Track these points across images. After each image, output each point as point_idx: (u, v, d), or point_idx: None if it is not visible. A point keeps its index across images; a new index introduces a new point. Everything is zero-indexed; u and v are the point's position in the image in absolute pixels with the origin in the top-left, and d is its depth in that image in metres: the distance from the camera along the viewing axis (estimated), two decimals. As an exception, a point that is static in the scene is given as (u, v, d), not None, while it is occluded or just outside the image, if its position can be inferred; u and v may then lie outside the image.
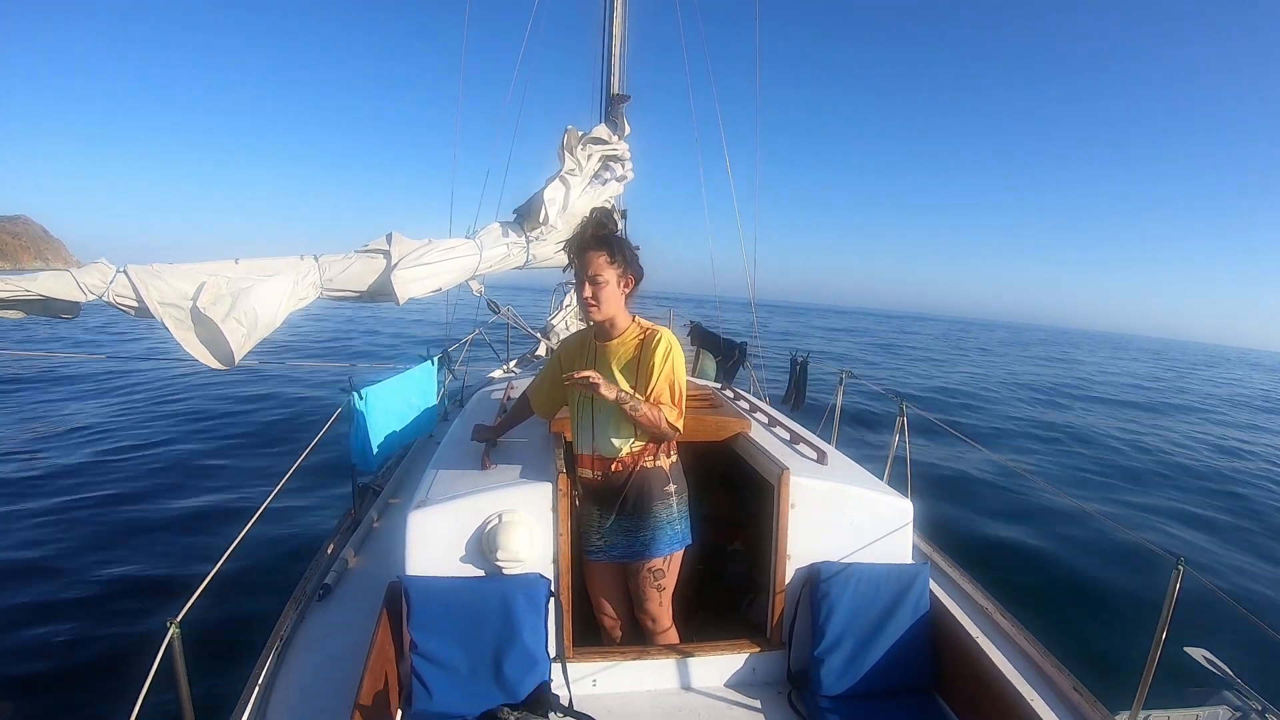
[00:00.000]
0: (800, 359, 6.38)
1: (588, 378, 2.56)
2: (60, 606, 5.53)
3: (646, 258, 2.82)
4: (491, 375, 7.24)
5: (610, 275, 2.65)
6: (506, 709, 2.51)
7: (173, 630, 2.09)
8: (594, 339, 2.87)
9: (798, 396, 6.29)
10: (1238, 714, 4.06)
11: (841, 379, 5.37)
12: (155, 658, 2.00)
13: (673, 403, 2.67)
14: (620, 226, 6.11)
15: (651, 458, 2.79)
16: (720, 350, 7.06)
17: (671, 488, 2.83)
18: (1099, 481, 11.29)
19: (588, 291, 2.67)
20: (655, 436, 2.75)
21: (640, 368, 2.69)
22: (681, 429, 2.73)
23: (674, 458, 2.89)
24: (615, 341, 2.77)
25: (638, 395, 2.67)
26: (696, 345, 7.57)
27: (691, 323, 8.25)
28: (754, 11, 7.90)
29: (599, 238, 2.68)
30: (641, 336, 2.74)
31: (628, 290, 2.74)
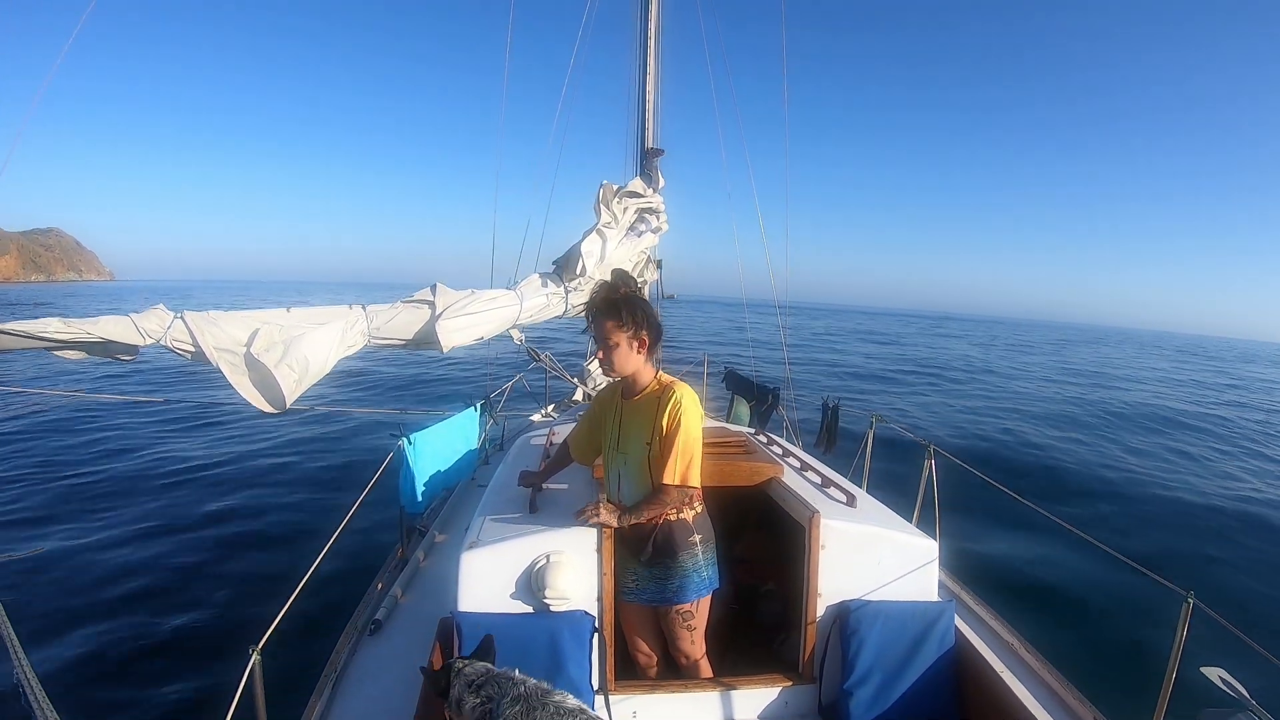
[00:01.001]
0: (832, 404, 6.43)
1: (597, 514, 2.80)
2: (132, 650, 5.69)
3: (680, 278, 2.91)
4: (532, 419, 7.35)
5: (620, 338, 2.77)
6: None
7: (255, 658, 2.17)
8: (620, 397, 2.99)
9: (829, 440, 6.33)
10: None
11: (872, 423, 5.41)
12: (239, 683, 2.06)
13: (675, 461, 2.74)
14: (656, 277, 6.21)
15: (675, 511, 2.87)
16: (754, 395, 7.12)
17: (696, 538, 2.91)
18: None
19: (601, 355, 2.83)
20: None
21: (654, 425, 2.79)
22: (689, 483, 2.79)
23: (699, 509, 2.97)
24: (638, 399, 2.88)
25: (639, 508, 2.82)
26: (731, 391, 7.63)
27: (726, 369, 8.32)
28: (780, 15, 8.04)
29: (609, 302, 2.80)
30: (659, 394, 2.83)
31: (643, 350, 2.84)
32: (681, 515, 2.88)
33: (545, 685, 2.28)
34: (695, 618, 2.96)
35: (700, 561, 2.91)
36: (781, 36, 8.25)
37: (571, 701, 2.21)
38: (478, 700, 2.25)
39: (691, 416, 2.76)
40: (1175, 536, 9.86)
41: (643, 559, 2.90)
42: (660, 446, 2.76)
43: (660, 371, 2.94)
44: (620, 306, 2.79)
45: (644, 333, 2.82)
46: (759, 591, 4.05)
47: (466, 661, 2.40)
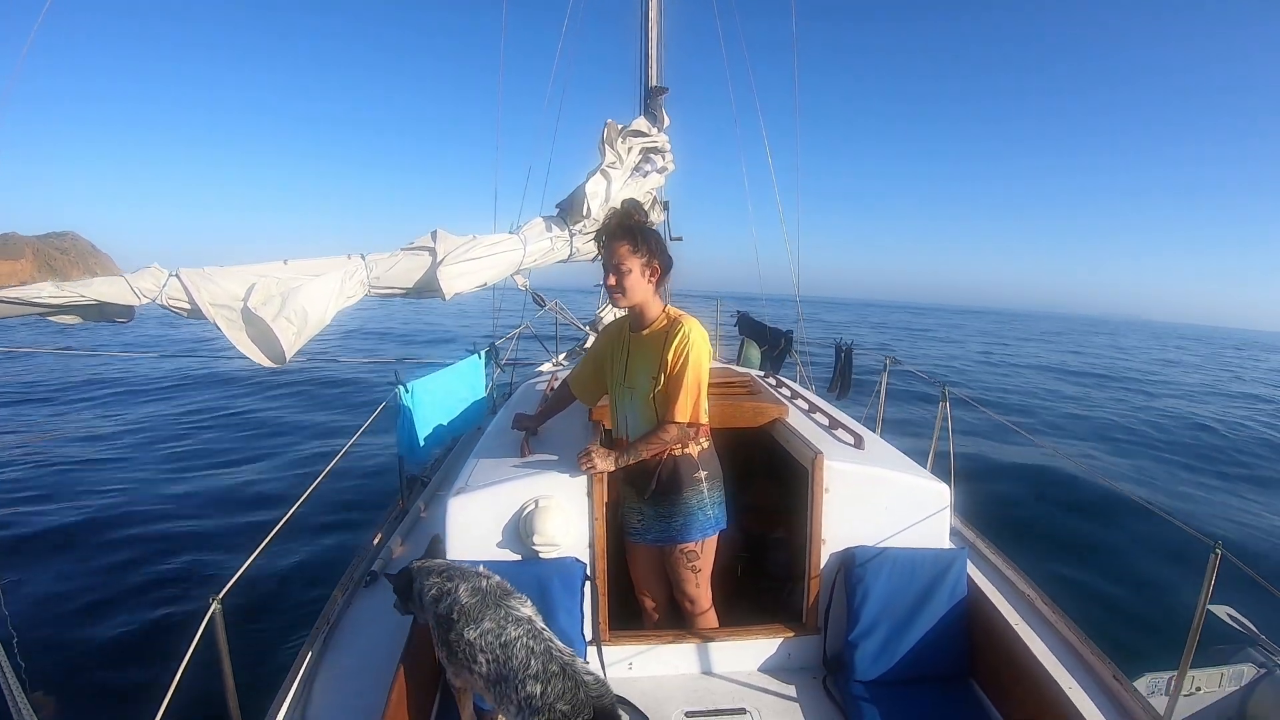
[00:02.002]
0: (845, 346, 6.32)
1: (590, 461, 2.76)
2: (104, 578, 5.98)
3: (690, 250, 2.84)
4: (540, 369, 7.31)
5: (634, 264, 2.70)
6: None
7: (214, 607, 2.13)
8: (629, 330, 2.92)
9: (843, 385, 6.24)
10: (1262, 670, 4.06)
11: (886, 365, 5.32)
12: (196, 633, 2.04)
13: (683, 397, 2.69)
14: (663, 218, 6.10)
15: (680, 446, 2.81)
16: (766, 339, 7.04)
17: (701, 474, 2.84)
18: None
19: (611, 279, 2.73)
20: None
21: (660, 359, 2.73)
22: (697, 420, 2.74)
23: (705, 444, 2.90)
24: (646, 333, 2.81)
25: (636, 446, 2.76)
26: (743, 335, 7.56)
27: (739, 312, 8.24)
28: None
29: (624, 227, 2.73)
30: (667, 328, 2.76)
31: (654, 279, 2.78)
32: (686, 450, 2.82)
33: (507, 586, 2.28)
34: (700, 559, 2.90)
35: (705, 499, 2.85)
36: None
37: (524, 610, 2.21)
38: (436, 580, 2.29)
39: (700, 351, 2.69)
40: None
41: (646, 495, 2.85)
42: (667, 382, 2.70)
43: (669, 305, 2.86)
44: (635, 231, 2.73)
45: (656, 261, 2.75)
46: (768, 540, 3.97)
47: (424, 560, 2.44)
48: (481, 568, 2.38)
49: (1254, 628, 4.58)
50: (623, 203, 2.96)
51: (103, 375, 15.65)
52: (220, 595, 2.16)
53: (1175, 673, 3.66)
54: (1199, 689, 3.93)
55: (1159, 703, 2.78)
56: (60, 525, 7.14)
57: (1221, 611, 4.68)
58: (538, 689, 1.98)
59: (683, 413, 2.68)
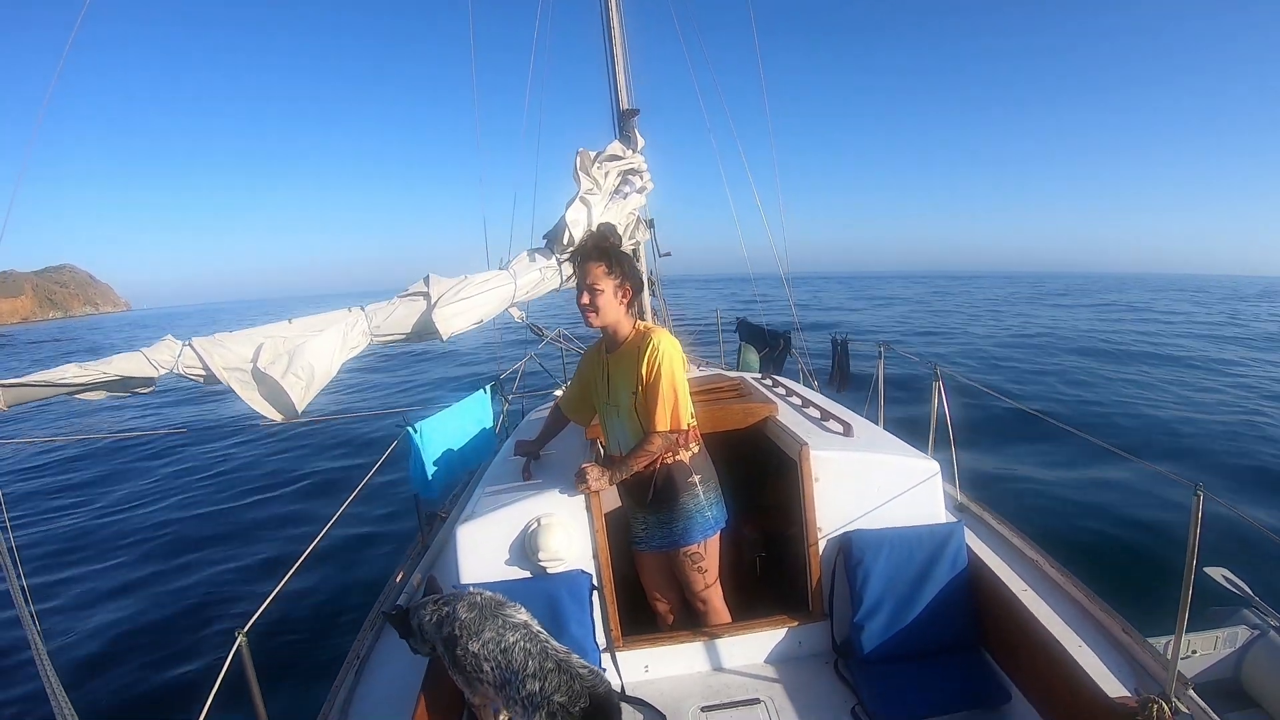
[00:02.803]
0: (840, 340, 6.41)
1: (585, 483, 2.89)
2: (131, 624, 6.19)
3: (681, 246, 2.98)
4: (557, 394, 7.46)
5: (607, 285, 2.82)
6: None
7: (240, 640, 2.21)
8: (604, 352, 3.04)
9: (842, 378, 6.33)
10: (1256, 631, 4.05)
11: (880, 353, 5.43)
12: (223, 667, 2.10)
13: (661, 407, 2.78)
14: (649, 236, 6.23)
15: (672, 454, 2.92)
16: (765, 342, 7.15)
17: (695, 478, 2.95)
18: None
19: (585, 299, 2.84)
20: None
21: (636, 373, 2.84)
22: (678, 426, 2.82)
23: (695, 449, 3.00)
24: (620, 351, 2.93)
25: (626, 461, 2.87)
26: (742, 340, 7.67)
27: (739, 319, 8.35)
28: None
29: (598, 249, 2.85)
30: (638, 343, 2.87)
31: (625, 300, 2.89)
32: (678, 457, 2.92)
33: (500, 597, 2.45)
34: (705, 559, 3.00)
35: (703, 501, 2.95)
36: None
37: (520, 616, 2.38)
38: (433, 608, 2.46)
39: (670, 359, 2.79)
40: None
41: (645, 504, 2.96)
42: (644, 394, 2.81)
43: (638, 321, 2.98)
44: (610, 253, 2.84)
45: (628, 283, 2.87)
46: (785, 536, 4.09)
47: (423, 600, 2.59)
48: (471, 587, 2.54)
49: (1248, 589, 4.60)
50: (598, 226, 3.11)
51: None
52: (245, 629, 2.24)
53: (1171, 638, 3.78)
54: (1195, 652, 3.95)
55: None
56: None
57: (1216, 574, 4.70)
58: (537, 686, 2.15)
59: (662, 421, 2.78)
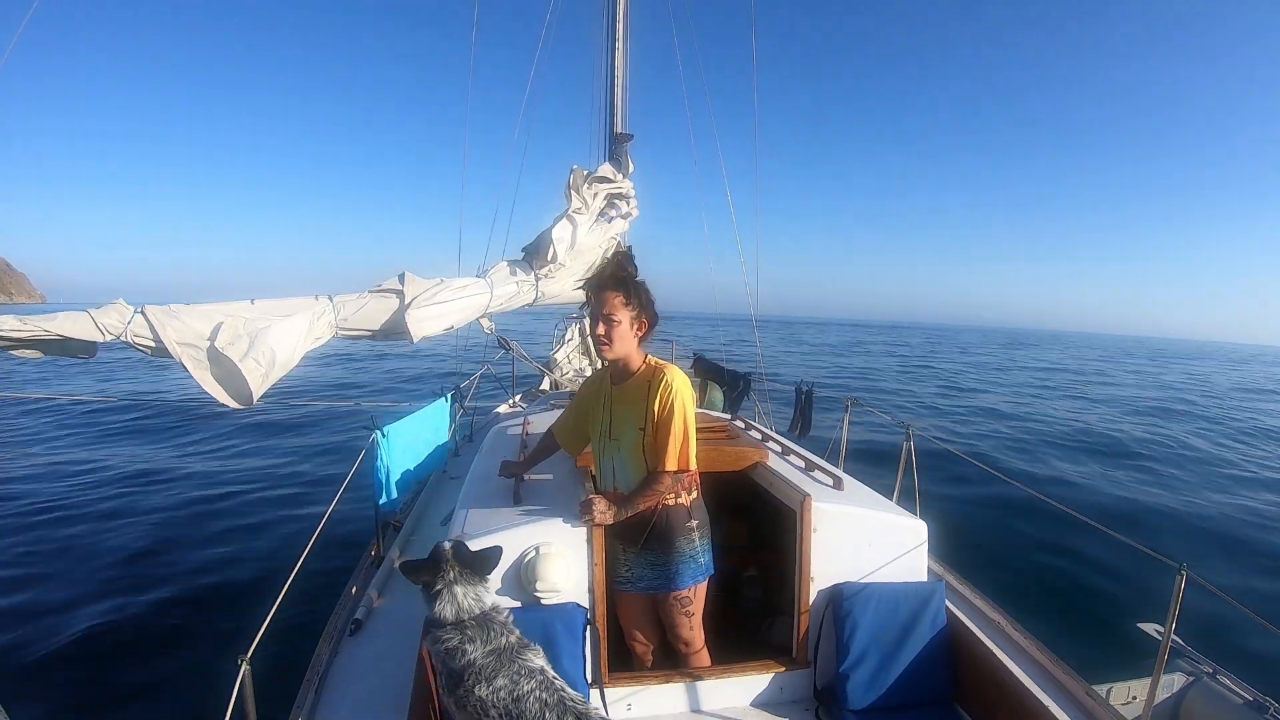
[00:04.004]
0: (805, 388, 6.41)
1: (591, 514, 2.77)
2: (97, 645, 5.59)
3: (650, 279, 2.91)
4: (498, 410, 7.29)
5: (624, 316, 2.74)
6: None
7: (244, 668, 2.14)
8: (610, 383, 2.95)
9: (804, 425, 6.32)
10: (1190, 678, 4.45)
11: (847, 407, 5.45)
12: (231, 695, 2.04)
13: (671, 445, 2.72)
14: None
15: (673, 496, 2.86)
16: (725, 381, 7.09)
17: (694, 523, 2.90)
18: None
19: (601, 329, 2.75)
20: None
21: (646, 410, 2.77)
22: (687, 467, 2.78)
23: (695, 494, 2.96)
24: (628, 385, 2.85)
25: (632, 499, 2.79)
26: (701, 377, 7.60)
27: (695, 355, 8.30)
28: (752, 34, 8.00)
29: (617, 278, 2.77)
30: (650, 378, 2.80)
31: (641, 334, 2.82)
32: (679, 501, 2.87)
33: (523, 640, 2.31)
34: (693, 604, 2.96)
35: (697, 547, 2.91)
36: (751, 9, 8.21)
37: (537, 662, 2.25)
38: (452, 635, 2.26)
39: (684, 399, 2.74)
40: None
41: (638, 547, 2.89)
42: (654, 431, 2.74)
43: (649, 356, 2.91)
44: (629, 284, 2.77)
45: (644, 316, 2.81)
46: (741, 578, 4.06)
47: (461, 570, 2.38)
48: (503, 616, 2.38)
49: (1181, 641, 4.91)
50: (614, 254, 3.02)
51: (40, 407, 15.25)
52: (248, 655, 2.16)
53: (1112, 685, 4.13)
54: (1135, 698, 4.27)
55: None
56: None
57: (1149, 629, 5.08)
58: None
59: (673, 461, 2.72)
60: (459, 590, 2.33)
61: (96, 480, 10.12)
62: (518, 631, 2.35)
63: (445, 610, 2.30)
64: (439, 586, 2.34)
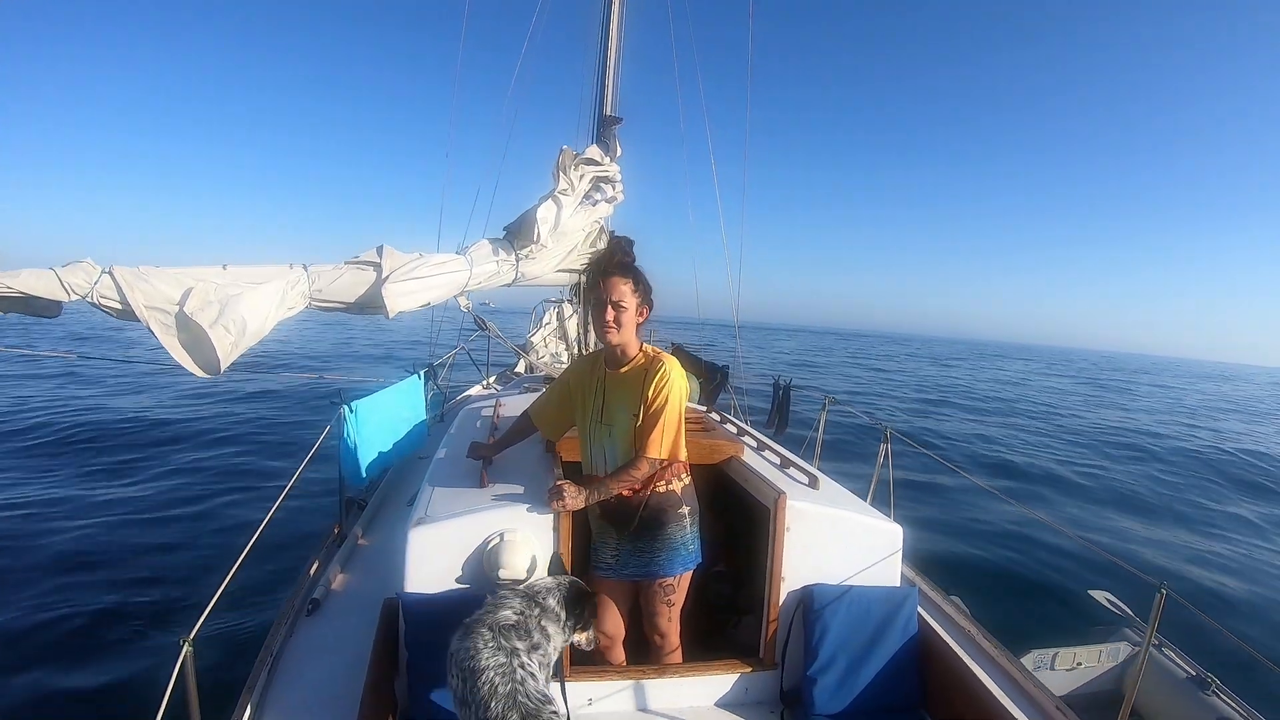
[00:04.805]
0: (783, 384, 6.41)
1: (562, 499, 2.74)
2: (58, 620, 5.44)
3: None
4: (468, 393, 7.22)
5: (631, 302, 2.75)
6: None
7: (186, 649, 2.10)
8: (604, 366, 2.93)
9: (780, 421, 6.32)
10: (1136, 648, 4.57)
11: (825, 405, 5.44)
12: (170, 676, 2.00)
13: (658, 433, 2.72)
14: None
15: (664, 483, 2.86)
16: (702, 372, 7.08)
17: (685, 509, 2.90)
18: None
19: (610, 315, 2.74)
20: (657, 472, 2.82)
21: (641, 395, 2.76)
22: (675, 456, 2.79)
23: (686, 480, 2.96)
24: (624, 370, 2.84)
25: (606, 482, 2.77)
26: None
27: (674, 345, 8.29)
28: (749, 30, 7.96)
29: (624, 265, 2.81)
30: (647, 365, 2.80)
31: (642, 319, 2.84)
32: (670, 487, 2.87)
33: (524, 625, 2.27)
34: (676, 593, 2.95)
35: (688, 534, 2.90)
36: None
37: (517, 644, 2.19)
38: (459, 681, 2.15)
39: (678, 390, 2.75)
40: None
41: (629, 532, 2.86)
42: (646, 418, 2.73)
43: (645, 344, 2.91)
44: (635, 270, 2.79)
45: (646, 303, 2.82)
46: (710, 573, 4.01)
47: (506, 601, 2.34)
48: (551, 589, 2.43)
49: (1129, 610, 5.11)
50: (616, 239, 3.01)
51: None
52: (190, 636, 2.12)
53: (1058, 650, 4.40)
54: (1080, 664, 4.39)
55: (1045, 676, 2.98)
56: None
57: (1100, 596, 5.26)
58: None
59: (656, 448, 2.72)
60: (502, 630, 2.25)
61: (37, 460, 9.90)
62: (535, 612, 2.33)
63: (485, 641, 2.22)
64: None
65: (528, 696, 2.04)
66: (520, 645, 2.19)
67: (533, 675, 2.15)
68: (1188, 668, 4.40)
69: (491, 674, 2.05)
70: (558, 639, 2.38)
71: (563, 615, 2.41)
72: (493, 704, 1.99)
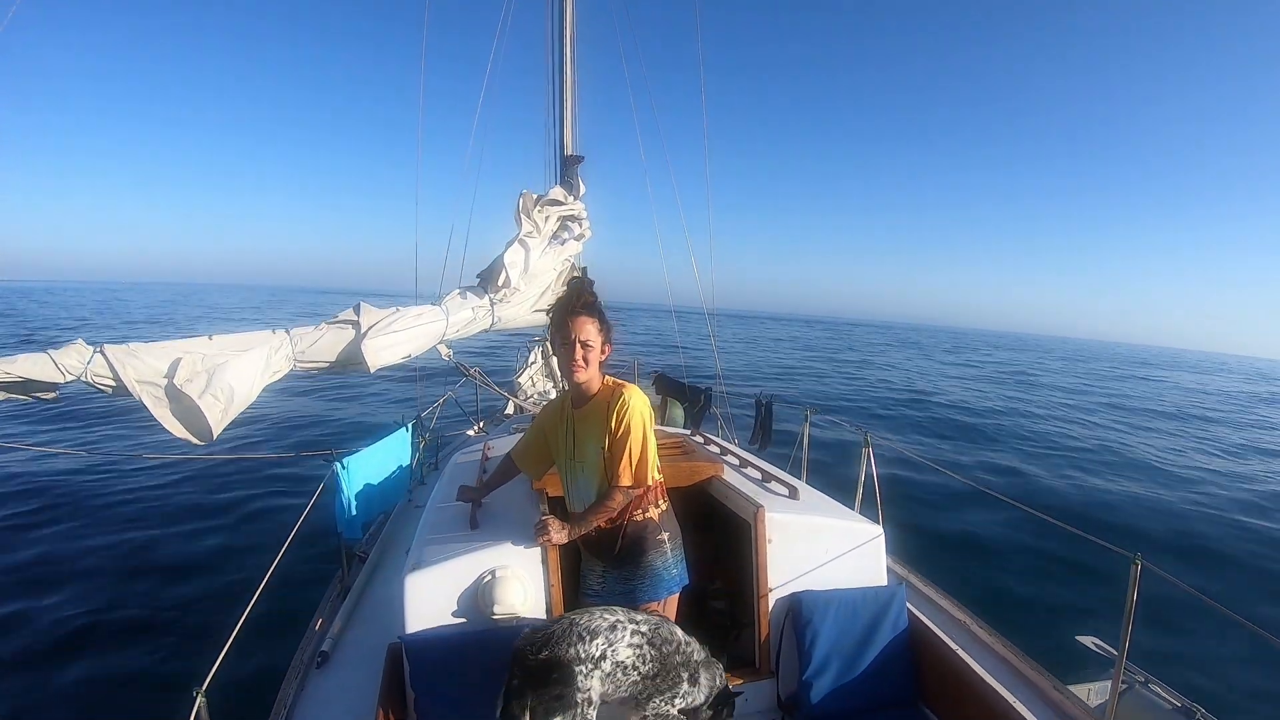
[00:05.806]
0: (765, 400, 6.52)
1: (547, 534, 2.84)
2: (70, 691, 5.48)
3: (603, 276, 2.94)
4: (468, 434, 7.29)
5: (597, 340, 2.80)
6: None
7: (199, 700, 2.14)
8: (570, 406, 2.99)
9: (764, 437, 6.41)
10: (1124, 685, 4.47)
11: (807, 417, 5.53)
12: None
13: (625, 461, 2.76)
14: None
15: (640, 511, 2.89)
16: (686, 397, 7.18)
17: (664, 535, 2.93)
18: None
19: (578, 353, 2.79)
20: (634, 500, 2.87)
21: (606, 429, 2.81)
22: (643, 482, 2.82)
23: (663, 506, 2.99)
24: (588, 407, 2.89)
25: (585, 516, 2.84)
26: (662, 395, 7.67)
27: (655, 373, 8.36)
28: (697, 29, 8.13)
29: (588, 304, 2.83)
30: (608, 398, 2.84)
31: (604, 357, 2.88)
32: (648, 514, 2.90)
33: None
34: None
35: (669, 560, 2.93)
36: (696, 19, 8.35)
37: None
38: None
39: (638, 415, 2.78)
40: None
41: (611, 560, 2.92)
42: (612, 449, 2.78)
43: (606, 376, 2.96)
44: (598, 309, 2.84)
45: (608, 342, 2.88)
46: (707, 590, 4.10)
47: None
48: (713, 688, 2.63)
49: (1114, 651, 5.07)
50: (575, 280, 3.08)
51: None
52: (203, 687, 2.16)
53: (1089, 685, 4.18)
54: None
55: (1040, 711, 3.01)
56: None
57: (1088, 641, 5.20)
58: None
59: (626, 476, 2.76)
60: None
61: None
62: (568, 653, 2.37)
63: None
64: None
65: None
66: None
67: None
68: (1173, 700, 4.39)
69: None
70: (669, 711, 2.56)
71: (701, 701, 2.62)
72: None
